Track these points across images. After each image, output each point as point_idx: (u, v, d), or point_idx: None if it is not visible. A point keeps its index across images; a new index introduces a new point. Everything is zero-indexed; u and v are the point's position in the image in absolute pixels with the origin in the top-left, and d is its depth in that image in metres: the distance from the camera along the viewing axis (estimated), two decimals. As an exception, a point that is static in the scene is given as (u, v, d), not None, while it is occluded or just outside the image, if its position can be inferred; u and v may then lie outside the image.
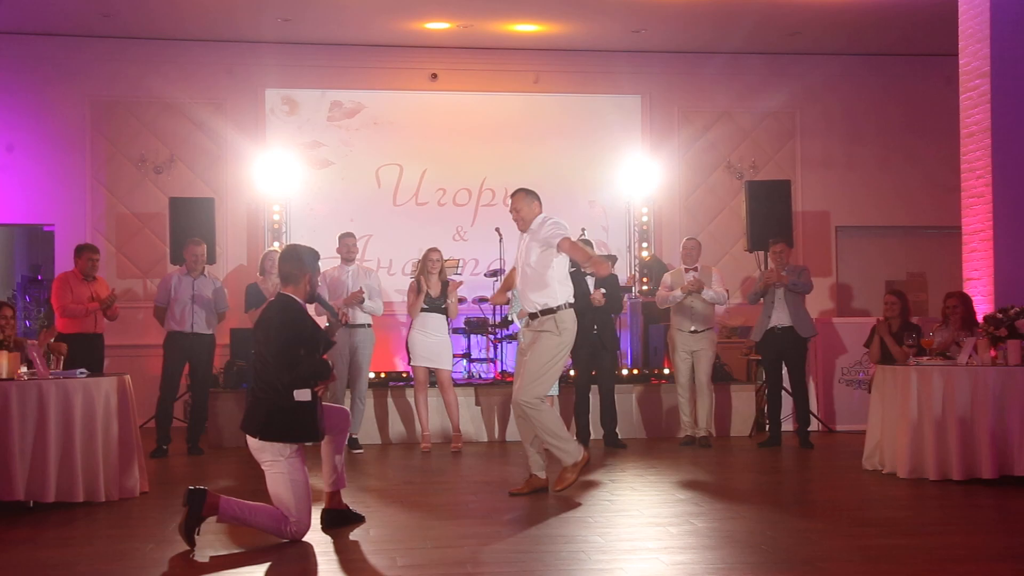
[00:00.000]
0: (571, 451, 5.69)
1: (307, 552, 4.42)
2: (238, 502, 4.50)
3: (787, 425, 8.66)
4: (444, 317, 7.98)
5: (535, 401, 5.63)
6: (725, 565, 4.07)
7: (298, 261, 4.67)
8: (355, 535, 4.73)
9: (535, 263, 5.71)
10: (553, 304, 5.70)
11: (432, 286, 7.92)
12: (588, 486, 6.02)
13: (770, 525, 4.86)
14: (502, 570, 4.03)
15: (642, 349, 9.67)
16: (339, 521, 4.94)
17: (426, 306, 7.96)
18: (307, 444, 4.67)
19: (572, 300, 5.78)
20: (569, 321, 5.72)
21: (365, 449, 8.12)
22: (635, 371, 9.21)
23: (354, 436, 7.92)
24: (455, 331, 8.98)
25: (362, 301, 7.84)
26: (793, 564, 4.05)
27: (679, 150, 10.95)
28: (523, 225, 5.79)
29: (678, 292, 8.25)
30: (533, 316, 5.74)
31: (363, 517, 5.01)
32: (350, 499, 5.24)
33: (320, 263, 4.81)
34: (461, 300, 9.00)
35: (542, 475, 5.83)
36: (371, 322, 8.10)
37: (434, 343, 7.95)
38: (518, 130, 10.73)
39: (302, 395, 4.54)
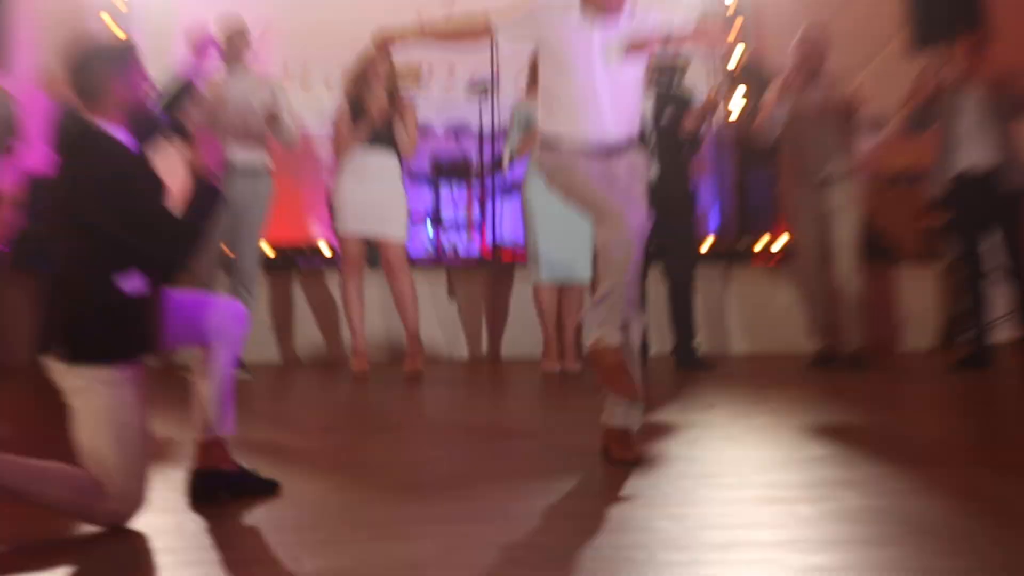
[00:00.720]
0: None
1: (136, 549, 4.06)
2: (15, 462, 4.27)
3: (998, 335, 8.60)
4: (395, 156, 8.14)
5: None
6: (900, 572, 3.70)
7: (93, 66, 4.53)
8: (243, 516, 4.50)
9: (629, 67, 5.54)
10: (638, 130, 5.62)
11: (376, 108, 8.02)
12: (652, 433, 5.78)
13: (977, 505, 4.56)
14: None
15: (736, 210, 10.04)
16: (224, 490, 4.74)
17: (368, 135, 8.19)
18: (147, 363, 4.48)
19: None
20: None
21: (255, 373, 8.20)
22: (725, 246, 9.29)
23: None
24: (413, 178, 9.24)
25: (275, 123, 7.93)
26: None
27: None
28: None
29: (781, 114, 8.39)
30: (612, 152, 5.52)
31: (273, 483, 4.87)
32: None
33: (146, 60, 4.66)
34: (424, 130, 9.33)
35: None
36: (269, 164, 8.15)
37: (376, 197, 8.01)
38: None
39: (134, 284, 4.35)
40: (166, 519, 4.40)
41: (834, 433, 5.98)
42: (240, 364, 7.81)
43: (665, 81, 8.47)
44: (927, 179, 8.70)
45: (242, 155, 8.08)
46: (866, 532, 4.18)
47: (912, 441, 5.88)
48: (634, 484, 4.95)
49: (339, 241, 8.30)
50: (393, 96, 8.20)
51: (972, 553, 3.94)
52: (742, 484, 4.91)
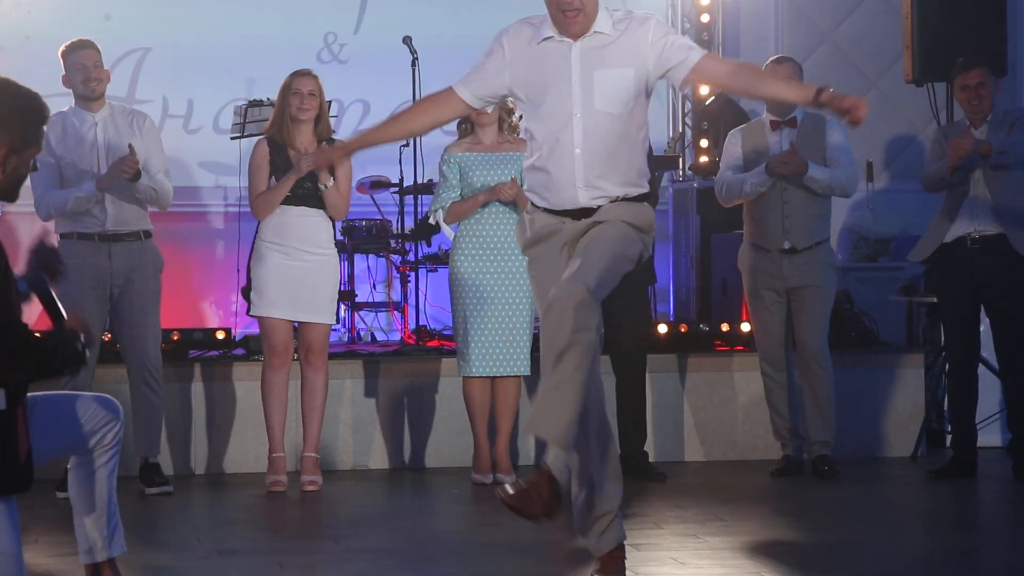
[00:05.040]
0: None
1: None
2: None
3: (988, 437, 8.63)
4: (323, 216, 7.90)
5: (589, 296, 5.34)
6: None
7: None
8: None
9: (621, 108, 5.54)
10: (640, 191, 5.59)
11: (302, 147, 7.67)
12: (585, 556, 5.76)
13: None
14: None
15: (697, 285, 9.84)
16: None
17: (289, 194, 7.80)
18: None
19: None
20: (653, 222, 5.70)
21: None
22: (683, 328, 9.03)
23: (151, 461, 7.86)
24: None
25: (135, 174, 7.48)
26: None
27: None
28: (583, 26, 5.54)
29: (756, 175, 8.07)
30: (584, 213, 5.54)
31: None
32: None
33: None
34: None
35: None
36: (150, 229, 7.85)
37: (307, 273, 7.81)
38: None
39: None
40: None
41: (792, 555, 6.17)
42: (157, 473, 7.82)
43: None
44: (915, 245, 8.52)
45: (119, 215, 7.71)
46: None
47: (876, 566, 6.08)
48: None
49: (262, 328, 7.96)
50: (322, 134, 7.92)
51: None
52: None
